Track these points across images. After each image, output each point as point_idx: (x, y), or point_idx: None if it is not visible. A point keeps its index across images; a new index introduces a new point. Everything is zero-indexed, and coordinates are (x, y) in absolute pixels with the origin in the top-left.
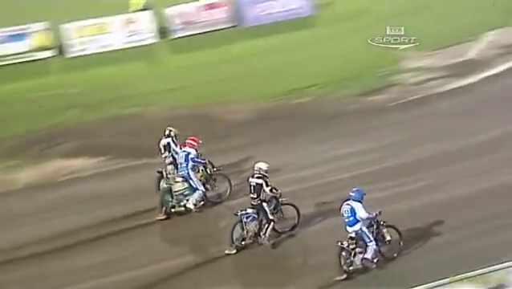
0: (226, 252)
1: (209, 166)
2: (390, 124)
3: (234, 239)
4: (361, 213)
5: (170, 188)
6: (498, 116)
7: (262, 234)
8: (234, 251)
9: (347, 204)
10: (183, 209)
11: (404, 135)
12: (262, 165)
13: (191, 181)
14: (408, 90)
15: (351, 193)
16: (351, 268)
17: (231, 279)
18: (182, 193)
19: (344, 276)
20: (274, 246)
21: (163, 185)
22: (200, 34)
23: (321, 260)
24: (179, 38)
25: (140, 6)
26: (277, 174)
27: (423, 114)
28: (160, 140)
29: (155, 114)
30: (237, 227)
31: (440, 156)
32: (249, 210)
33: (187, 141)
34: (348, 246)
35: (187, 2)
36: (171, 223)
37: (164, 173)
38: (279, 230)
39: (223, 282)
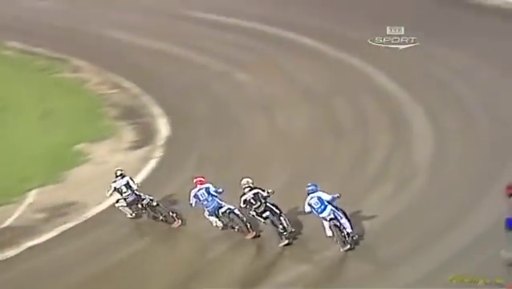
0: (280, 245)
1: None
2: None
3: (280, 233)
4: (326, 196)
5: (231, 217)
6: None
7: (285, 226)
8: (286, 242)
9: (312, 197)
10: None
11: None
12: (248, 179)
13: (225, 207)
14: None
15: (308, 188)
16: (348, 239)
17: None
18: (233, 219)
19: (349, 246)
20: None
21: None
22: None
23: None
24: None
25: None
26: None
27: None
28: (114, 182)
29: None
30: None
31: None
32: (267, 213)
33: (198, 180)
34: (338, 224)
35: None
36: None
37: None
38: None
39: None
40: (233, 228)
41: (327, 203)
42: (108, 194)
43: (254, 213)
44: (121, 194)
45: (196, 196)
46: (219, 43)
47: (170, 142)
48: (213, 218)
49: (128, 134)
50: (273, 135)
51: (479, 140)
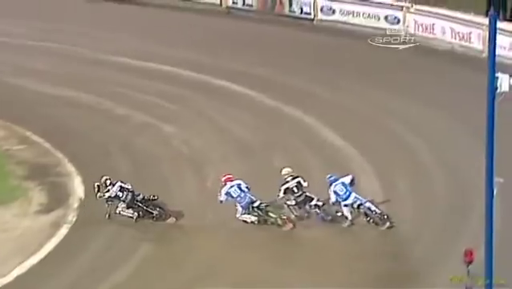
0: (345, 225)
1: None
2: None
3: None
4: (347, 179)
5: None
6: None
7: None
8: (349, 223)
9: (336, 185)
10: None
11: None
12: (289, 169)
13: (258, 201)
14: None
15: (331, 179)
16: (384, 217)
17: None
18: (267, 211)
19: (388, 224)
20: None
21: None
22: None
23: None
24: None
25: None
26: None
27: None
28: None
29: None
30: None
31: None
32: (314, 202)
33: (227, 178)
34: (368, 207)
35: None
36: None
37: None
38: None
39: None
40: (266, 222)
41: (350, 190)
42: (99, 199)
43: (293, 202)
44: (119, 199)
45: (228, 193)
46: (140, 92)
47: (85, 205)
48: (246, 216)
49: (37, 196)
50: (202, 193)
51: (433, 200)
